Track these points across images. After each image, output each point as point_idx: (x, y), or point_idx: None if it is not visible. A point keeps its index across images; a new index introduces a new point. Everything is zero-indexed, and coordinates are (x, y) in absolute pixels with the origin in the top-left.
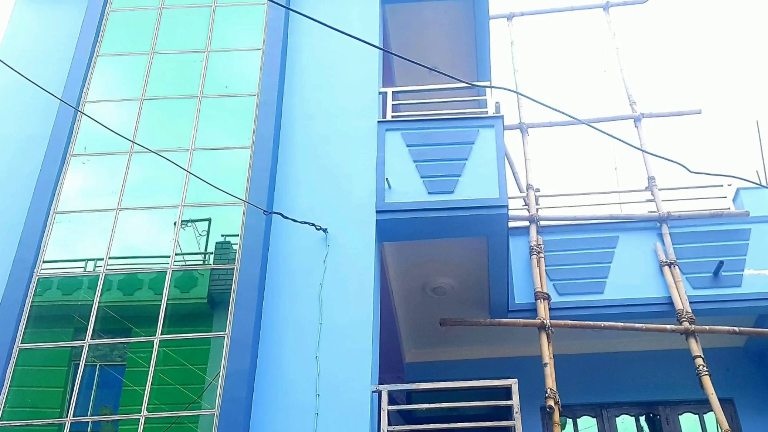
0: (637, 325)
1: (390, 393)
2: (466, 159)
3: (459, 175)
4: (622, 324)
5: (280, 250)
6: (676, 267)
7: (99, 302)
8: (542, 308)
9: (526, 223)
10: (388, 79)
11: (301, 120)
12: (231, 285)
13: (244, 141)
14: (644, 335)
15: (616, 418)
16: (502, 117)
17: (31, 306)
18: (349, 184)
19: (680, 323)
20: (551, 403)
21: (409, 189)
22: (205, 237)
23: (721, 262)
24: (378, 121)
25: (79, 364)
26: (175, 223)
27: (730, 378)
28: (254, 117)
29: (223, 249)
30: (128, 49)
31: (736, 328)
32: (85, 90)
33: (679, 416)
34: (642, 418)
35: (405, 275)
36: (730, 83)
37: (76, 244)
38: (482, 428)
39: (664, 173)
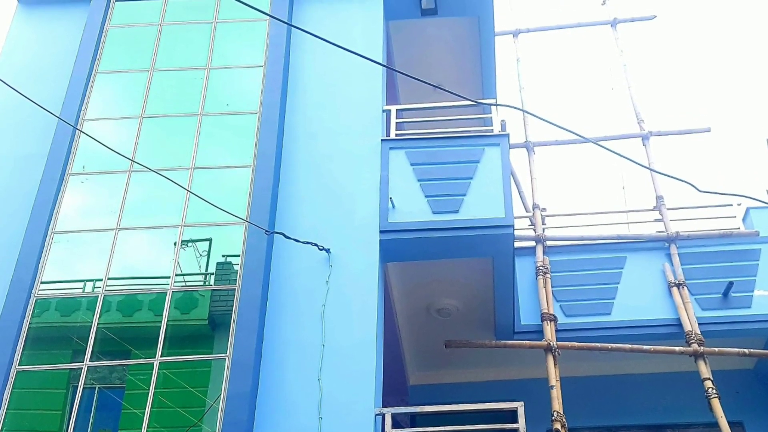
0: (645, 347)
1: (394, 416)
2: (471, 178)
3: (464, 195)
4: (630, 346)
5: (282, 270)
6: (685, 288)
7: (98, 324)
8: (549, 330)
9: (533, 243)
10: (391, 96)
11: (304, 138)
12: (232, 306)
13: (246, 160)
14: (652, 357)
15: None
16: (507, 135)
17: (28, 327)
18: (352, 203)
19: (689, 345)
20: (558, 426)
21: (413, 208)
22: (206, 257)
23: (731, 283)
24: (382, 140)
25: (77, 386)
26: (175, 243)
27: (739, 401)
28: (256, 135)
29: (224, 269)
30: (128, 66)
31: (746, 350)
32: (83, 108)
33: None
34: None
35: (409, 296)
36: (739, 101)
37: (75, 265)
38: None
39: (672, 192)
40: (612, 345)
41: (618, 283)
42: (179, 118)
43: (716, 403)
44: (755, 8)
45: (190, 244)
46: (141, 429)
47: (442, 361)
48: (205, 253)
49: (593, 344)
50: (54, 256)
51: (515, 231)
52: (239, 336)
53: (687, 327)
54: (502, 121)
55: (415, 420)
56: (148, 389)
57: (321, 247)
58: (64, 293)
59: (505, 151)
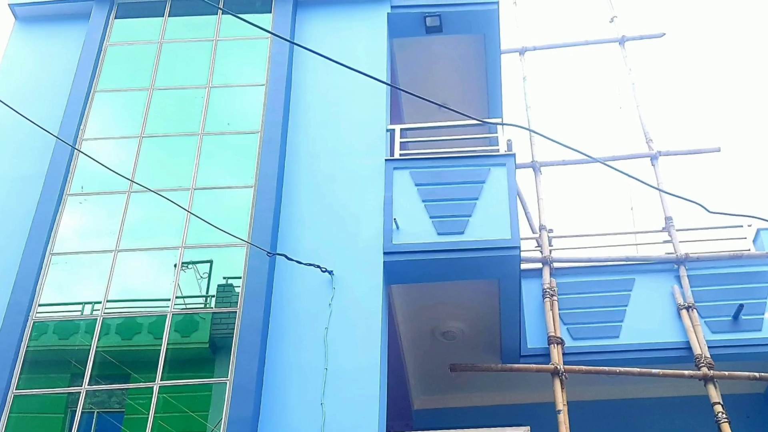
0: (653, 370)
1: None
2: (476, 199)
3: (469, 216)
4: (639, 369)
5: (284, 292)
6: (695, 310)
7: (96, 347)
8: (555, 353)
9: (539, 265)
10: (396, 115)
11: (306, 158)
12: (233, 329)
13: (247, 180)
14: (661, 381)
15: None
16: (514, 155)
17: (26, 351)
18: (355, 224)
19: (698, 369)
20: None
21: (417, 230)
22: (207, 279)
23: (741, 306)
24: (386, 160)
25: (76, 411)
26: (175, 265)
27: (750, 425)
28: (257, 155)
29: (225, 292)
30: (127, 84)
31: (757, 374)
32: (82, 127)
33: None
34: None
35: (413, 319)
36: (749, 120)
37: (73, 287)
38: None
39: (681, 213)
40: (620, 369)
41: (626, 305)
42: (179, 137)
43: (726, 428)
44: (765, 26)
45: (190, 265)
46: None
47: (447, 385)
48: (206, 275)
49: (601, 368)
50: (52, 278)
51: (521, 252)
52: (240, 359)
53: (696, 350)
54: (509, 140)
55: None
56: (148, 414)
57: (324, 269)
58: (63, 316)
59: (511, 172)
